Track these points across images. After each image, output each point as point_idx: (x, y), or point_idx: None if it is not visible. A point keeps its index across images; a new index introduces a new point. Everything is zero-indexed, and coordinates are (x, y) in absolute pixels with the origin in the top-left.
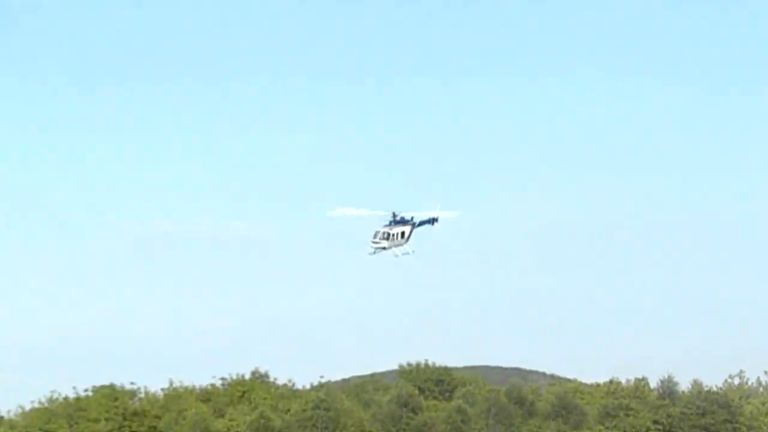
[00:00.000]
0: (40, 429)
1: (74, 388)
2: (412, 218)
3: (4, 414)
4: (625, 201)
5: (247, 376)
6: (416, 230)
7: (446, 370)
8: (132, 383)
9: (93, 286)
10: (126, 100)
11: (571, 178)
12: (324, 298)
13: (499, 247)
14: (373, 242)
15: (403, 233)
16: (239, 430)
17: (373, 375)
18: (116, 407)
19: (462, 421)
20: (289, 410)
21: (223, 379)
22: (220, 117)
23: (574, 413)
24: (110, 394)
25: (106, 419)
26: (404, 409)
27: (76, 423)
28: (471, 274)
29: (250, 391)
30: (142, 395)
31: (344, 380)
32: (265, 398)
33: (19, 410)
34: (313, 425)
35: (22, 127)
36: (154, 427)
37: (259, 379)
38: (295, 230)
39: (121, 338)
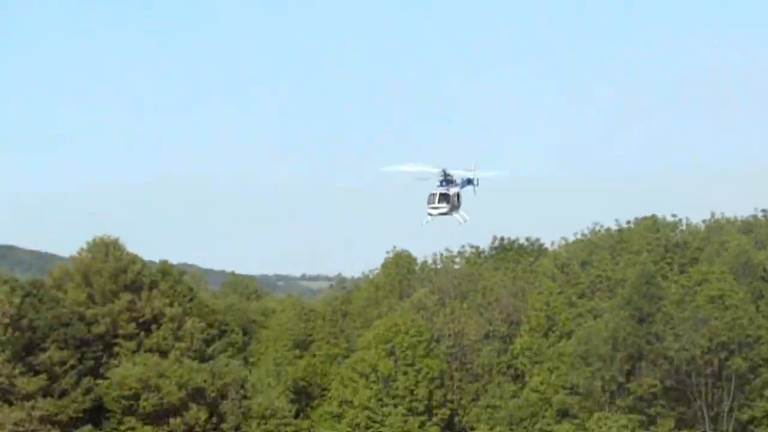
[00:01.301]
0: (583, 260)
1: (616, 220)
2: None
3: (547, 245)
4: None
5: None
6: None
7: None
8: (673, 215)
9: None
10: None
11: None
12: None
13: None
14: (431, 207)
15: (458, 195)
16: None
17: None
18: (657, 239)
19: None
20: None
21: (764, 210)
22: None
23: None
24: (652, 226)
25: (648, 251)
26: None
27: (618, 254)
28: None
29: None
30: (684, 227)
31: None
32: None
33: (563, 242)
34: None
35: None
36: (696, 259)
37: None
38: None
39: (661, 172)
